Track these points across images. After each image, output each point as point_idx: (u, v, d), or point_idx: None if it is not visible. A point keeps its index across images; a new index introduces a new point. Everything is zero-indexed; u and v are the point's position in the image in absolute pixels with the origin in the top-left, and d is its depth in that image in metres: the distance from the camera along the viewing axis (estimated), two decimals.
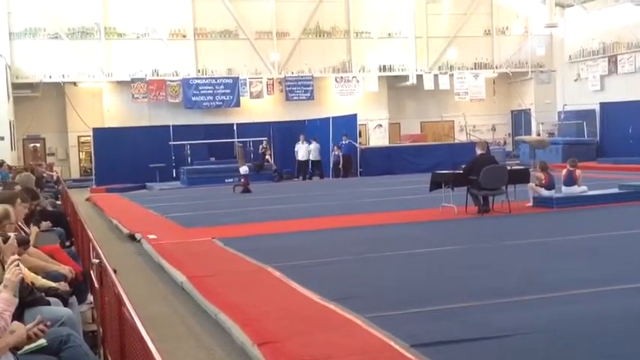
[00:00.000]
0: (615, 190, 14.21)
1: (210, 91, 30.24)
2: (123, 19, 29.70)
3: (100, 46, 29.36)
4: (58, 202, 12.61)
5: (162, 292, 8.04)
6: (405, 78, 32.90)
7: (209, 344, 5.82)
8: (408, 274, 7.92)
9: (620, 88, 29.68)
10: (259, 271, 8.26)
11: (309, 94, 31.54)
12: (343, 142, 25.52)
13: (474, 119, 34.02)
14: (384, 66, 32.73)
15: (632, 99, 26.67)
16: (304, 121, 28.87)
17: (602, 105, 27.88)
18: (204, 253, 9.91)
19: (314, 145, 25.90)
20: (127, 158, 25.50)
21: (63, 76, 28.82)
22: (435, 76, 32.88)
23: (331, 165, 26.17)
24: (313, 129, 27.52)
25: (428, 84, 32.71)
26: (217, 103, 30.38)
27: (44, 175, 16.95)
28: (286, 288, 7.26)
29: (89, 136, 27.30)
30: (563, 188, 13.66)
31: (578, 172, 13.80)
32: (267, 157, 25.98)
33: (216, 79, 30.48)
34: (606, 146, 26.64)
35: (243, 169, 20.32)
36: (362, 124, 29.95)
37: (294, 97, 31.42)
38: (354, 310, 6.02)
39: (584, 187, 13.80)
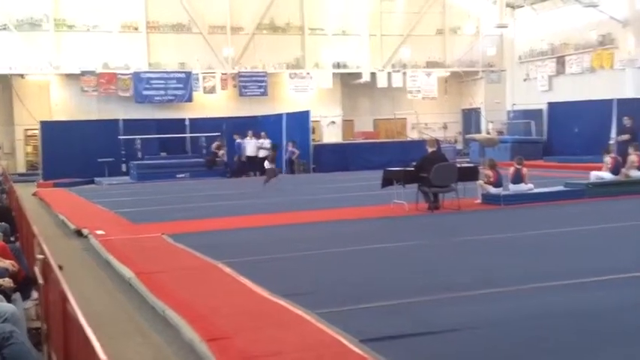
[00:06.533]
0: (561, 188, 14.55)
1: (162, 86, 29.88)
2: (73, 11, 29.11)
3: (49, 37, 28.72)
4: (3, 196, 12.29)
5: (109, 288, 7.91)
6: (359, 75, 33.05)
7: (157, 341, 5.75)
8: (358, 270, 7.97)
9: (568, 88, 30.40)
10: (209, 267, 8.20)
11: (262, 90, 31.45)
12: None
13: (426, 117, 34.42)
14: (338, 63, 32.85)
15: (578, 99, 27.31)
16: (257, 116, 28.77)
17: (550, 105, 28.48)
18: (154, 249, 9.79)
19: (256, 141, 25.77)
20: (76, 152, 25.01)
21: (10, 68, 28.08)
22: (389, 73, 33.14)
23: (284, 161, 26.13)
24: (266, 125, 27.44)
25: (381, 82, 32.95)
26: (169, 97, 30.05)
27: None
28: (236, 284, 7.23)
29: (36, 129, 26.65)
30: (511, 186, 13.93)
31: (525, 170, 14.10)
32: (222, 152, 25.76)
33: (168, 73, 30.13)
34: (553, 145, 27.20)
35: (266, 164, 20.26)
36: (315, 121, 30.00)
37: (248, 93, 31.28)
38: (304, 306, 6.03)
39: (531, 185, 14.12)
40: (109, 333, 5.82)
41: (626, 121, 20.03)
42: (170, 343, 5.61)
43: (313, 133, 28.47)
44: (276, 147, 21.71)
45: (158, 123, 27.45)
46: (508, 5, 32.56)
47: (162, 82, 29.93)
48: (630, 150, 15.44)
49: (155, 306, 6.60)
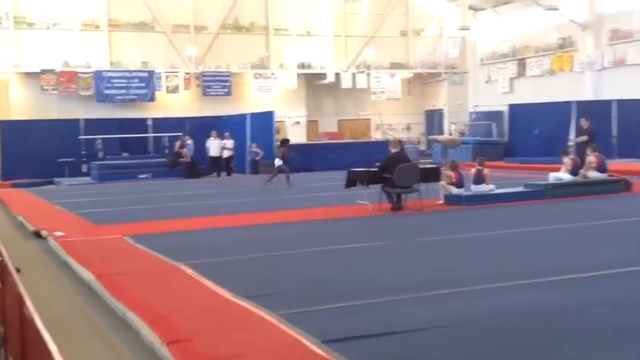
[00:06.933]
0: (521, 189, 14.76)
1: (124, 85, 29.54)
2: (33, 8, 28.64)
3: (9, 35, 28.21)
4: None
5: (68, 291, 7.78)
6: (324, 76, 33.15)
7: (116, 344, 5.67)
8: (321, 270, 7.98)
9: (528, 90, 30.91)
10: (171, 268, 8.13)
11: (227, 90, 31.32)
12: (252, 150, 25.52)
13: (390, 118, 34.65)
14: (303, 63, 32.88)
15: (538, 101, 27.76)
16: (221, 117, 28.62)
17: (511, 106, 28.89)
18: (115, 250, 9.66)
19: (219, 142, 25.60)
20: (35, 152, 24.55)
21: None
22: (353, 74, 33.29)
23: (247, 162, 26.06)
24: (230, 125, 27.32)
25: (346, 82, 33.08)
26: (131, 96, 29.72)
27: None
28: (198, 286, 7.17)
29: None
30: (472, 186, 14.09)
31: (486, 170, 14.27)
32: (185, 150, 25.54)
33: (130, 72, 29.80)
34: (514, 146, 27.59)
35: (277, 161, 20.02)
36: (280, 121, 29.97)
37: (212, 93, 31.12)
38: (267, 308, 6.00)
39: (492, 186, 14.29)
40: (67, 336, 5.72)
41: (583, 123, 20.39)
42: (130, 346, 5.54)
43: (277, 133, 28.43)
44: (287, 142, 21.30)
45: (120, 123, 27.11)
46: (471, 8, 33.01)
47: (124, 81, 29.60)
48: (588, 151, 15.72)
49: (115, 308, 6.51)
